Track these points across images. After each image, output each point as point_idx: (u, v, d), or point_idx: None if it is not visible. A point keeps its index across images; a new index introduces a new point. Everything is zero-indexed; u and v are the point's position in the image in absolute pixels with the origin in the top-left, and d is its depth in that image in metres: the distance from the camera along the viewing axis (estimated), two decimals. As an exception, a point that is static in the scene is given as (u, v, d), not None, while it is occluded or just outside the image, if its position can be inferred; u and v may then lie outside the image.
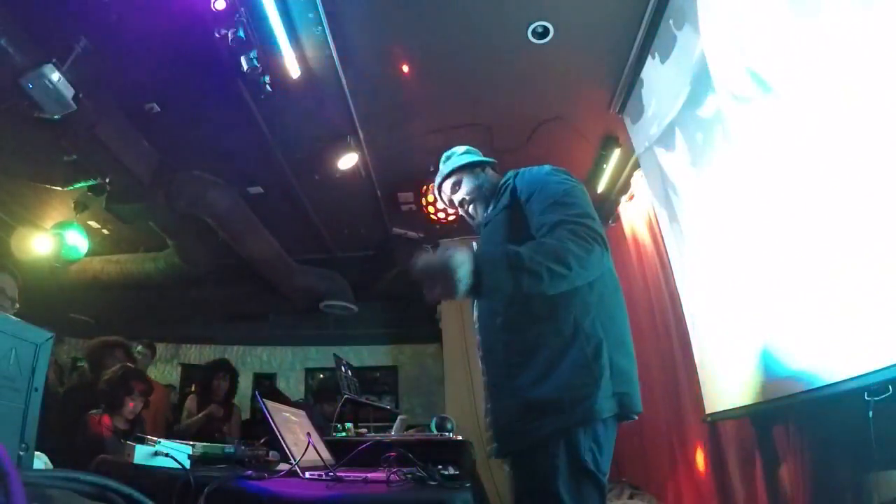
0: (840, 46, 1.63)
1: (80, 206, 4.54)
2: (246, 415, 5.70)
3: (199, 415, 3.72)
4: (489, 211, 1.68)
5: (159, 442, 1.32)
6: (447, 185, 1.79)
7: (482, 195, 1.72)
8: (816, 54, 1.74)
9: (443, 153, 1.87)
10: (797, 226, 1.94)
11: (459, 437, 2.73)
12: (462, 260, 1.16)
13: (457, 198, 1.77)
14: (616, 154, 4.02)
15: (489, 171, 1.79)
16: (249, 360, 7.96)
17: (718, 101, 2.43)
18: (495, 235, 1.58)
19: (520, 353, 1.41)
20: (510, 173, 1.68)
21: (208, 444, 1.56)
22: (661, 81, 3.03)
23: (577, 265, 1.24)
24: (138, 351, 4.54)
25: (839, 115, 1.67)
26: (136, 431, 2.83)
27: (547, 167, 1.59)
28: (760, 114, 2.12)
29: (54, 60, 2.82)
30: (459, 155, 1.81)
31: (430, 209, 4.32)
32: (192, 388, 4.22)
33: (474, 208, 1.74)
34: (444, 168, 1.80)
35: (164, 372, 7.48)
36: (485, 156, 1.85)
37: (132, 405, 2.78)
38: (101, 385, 2.83)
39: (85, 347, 3.57)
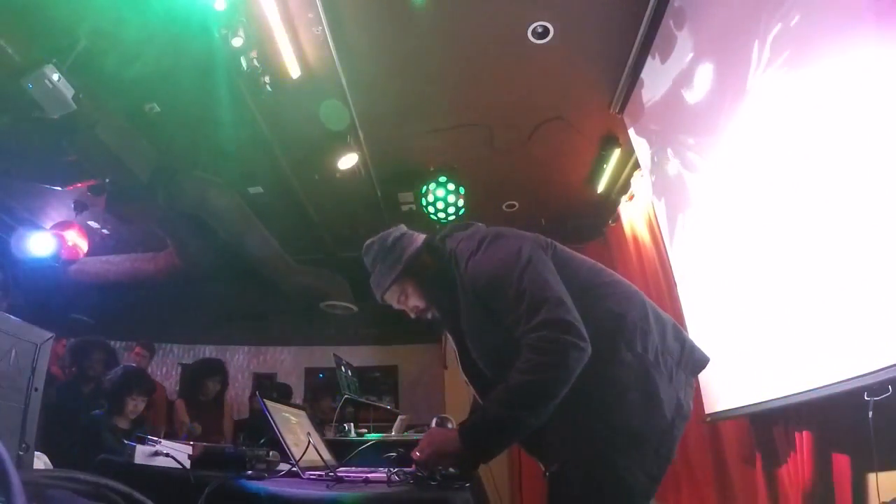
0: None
1: (80, 206, 4.54)
2: (245, 414, 5.70)
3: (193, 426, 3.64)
4: (462, 313, 1.44)
5: (159, 442, 1.32)
6: (390, 299, 1.53)
7: (436, 301, 1.50)
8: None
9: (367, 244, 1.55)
10: (797, 225, 1.94)
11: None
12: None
13: (409, 309, 1.54)
14: (616, 154, 4.02)
15: (428, 260, 1.50)
16: (249, 360, 7.97)
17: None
18: (487, 343, 1.43)
19: None
20: (450, 244, 1.49)
21: (208, 444, 1.55)
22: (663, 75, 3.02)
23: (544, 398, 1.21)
24: (136, 353, 4.54)
25: (841, 112, 1.67)
26: (139, 431, 2.84)
27: (485, 252, 1.40)
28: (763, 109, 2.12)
29: (54, 60, 2.81)
30: (387, 254, 1.50)
31: (430, 209, 4.31)
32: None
33: (432, 314, 1.54)
34: (375, 280, 1.52)
35: (163, 372, 7.49)
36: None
37: (133, 405, 2.82)
38: (104, 385, 2.87)
39: (69, 345, 3.58)
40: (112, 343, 4.07)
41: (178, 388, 7.44)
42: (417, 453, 1.27)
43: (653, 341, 1.34)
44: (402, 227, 1.59)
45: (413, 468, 1.28)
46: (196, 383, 3.84)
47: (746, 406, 2.45)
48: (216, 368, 3.98)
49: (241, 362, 7.84)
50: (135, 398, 2.83)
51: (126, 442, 2.68)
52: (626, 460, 1.25)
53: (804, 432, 2.26)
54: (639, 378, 1.29)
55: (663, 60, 2.94)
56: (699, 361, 1.45)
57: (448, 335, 1.59)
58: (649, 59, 3.09)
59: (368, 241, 1.57)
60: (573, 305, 1.28)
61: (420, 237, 1.54)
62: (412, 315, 1.56)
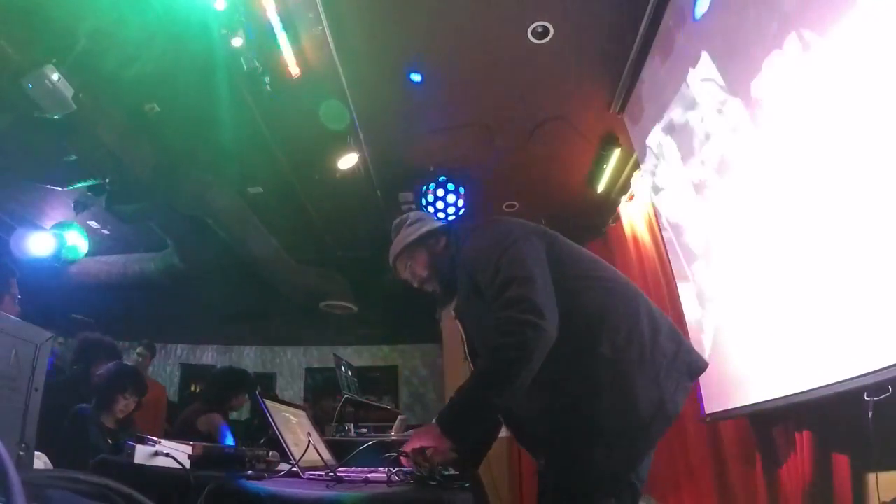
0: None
1: (80, 206, 4.54)
2: (246, 414, 5.70)
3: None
4: (459, 292, 1.53)
5: (159, 442, 1.32)
6: (399, 264, 1.64)
7: (438, 273, 1.58)
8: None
9: (399, 221, 1.69)
10: (797, 226, 1.94)
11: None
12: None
13: (412, 278, 1.63)
14: (616, 154, 4.02)
15: (443, 240, 1.61)
16: (250, 360, 7.97)
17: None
18: (478, 323, 1.50)
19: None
20: (462, 235, 1.58)
21: (208, 444, 1.55)
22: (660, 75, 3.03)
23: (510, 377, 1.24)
24: (138, 353, 4.51)
25: (840, 114, 1.67)
26: (127, 433, 2.80)
27: (480, 234, 1.50)
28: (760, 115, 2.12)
29: (54, 60, 2.81)
30: (408, 226, 1.64)
31: (430, 209, 4.31)
32: (192, 390, 4.01)
33: (432, 286, 1.61)
34: (393, 246, 1.65)
35: (163, 372, 7.49)
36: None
37: (124, 404, 2.75)
38: (95, 380, 2.79)
39: (78, 339, 3.52)
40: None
41: (178, 390, 7.43)
42: (405, 448, 1.29)
43: (639, 339, 1.33)
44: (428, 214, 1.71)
45: (409, 465, 1.28)
46: (227, 394, 3.40)
47: (746, 406, 2.45)
48: (247, 381, 3.57)
49: (241, 362, 7.84)
50: (127, 397, 2.76)
51: (112, 441, 2.65)
52: (593, 455, 1.27)
53: (804, 432, 2.27)
54: (615, 374, 1.29)
55: (663, 60, 2.94)
56: (695, 365, 1.42)
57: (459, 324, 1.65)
58: (649, 59, 3.09)
59: (396, 220, 1.70)
60: (546, 287, 1.31)
61: (441, 222, 1.68)
62: (415, 284, 1.64)
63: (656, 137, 3.22)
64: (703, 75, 2.56)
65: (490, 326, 1.33)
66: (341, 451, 1.67)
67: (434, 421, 1.29)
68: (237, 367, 3.95)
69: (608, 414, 1.27)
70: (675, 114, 2.92)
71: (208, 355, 7.97)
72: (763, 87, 2.08)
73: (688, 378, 1.39)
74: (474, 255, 1.45)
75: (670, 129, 3.01)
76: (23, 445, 0.75)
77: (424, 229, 1.61)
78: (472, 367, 1.60)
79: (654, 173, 3.39)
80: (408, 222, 1.66)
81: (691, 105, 2.74)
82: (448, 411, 1.28)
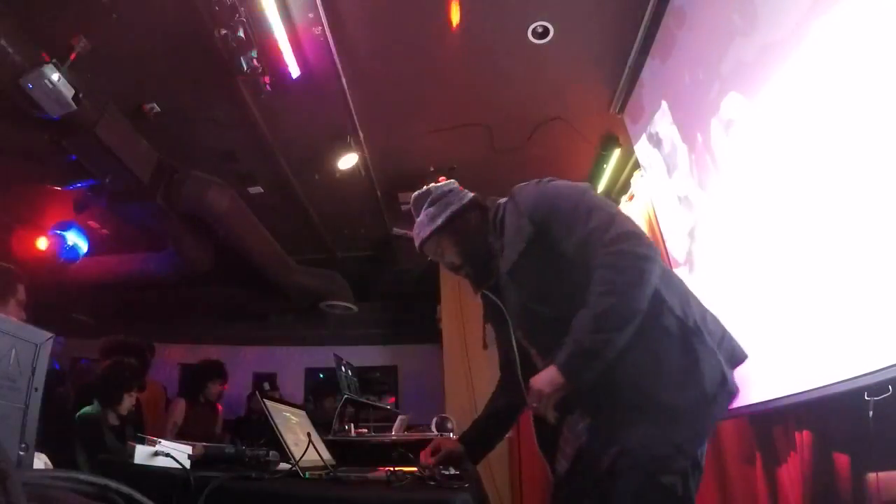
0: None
1: (80, 206, 4.54)
2: (243, 413, 5.71)
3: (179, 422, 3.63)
4: (507, 254, 1.39)
5: (159, 442, 1.32)
6: (427, 250, 1.53)
7: (471, 257, 1.48)
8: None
9: (416, 196, 1.58)
10: (797, 225, 1.94)
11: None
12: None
13: (444, 264, 1.53)
14: (616, 154, 4.02)
15: (470, 214, 1.49)
16: (249, 360, 7.96)
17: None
18: (542, 284, 1.37)
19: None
20: (500, 201, 1.49)
21: (209, 444, 1.55)
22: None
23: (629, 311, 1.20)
24: None
25: (840, 113, 1.67)
26: (132, 429, 2.81)
27: (543, 188, 1.43)
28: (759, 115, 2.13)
29: (54, 60, 2.81)
30: (428, 206, 1.51)
31: (430, 209, 4.31)
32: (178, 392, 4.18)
33: (466, 271, 1.51)
34: (417, 228, 1.53)
35: (163, 372, 7.48)
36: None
37: (130, 401, 2.75)
38: (94, 379, 2.78)
39: (102, 343, 3.55)
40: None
41: (178, 389, 7.42)
42: (534, 404, 1.24)
43: (693, 315, 1.27)
44: (454, 183, 1.59)
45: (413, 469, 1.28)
46: (198, 385, 3.85)
47: (746, 406, 2.44)
48: (218, 371, 3.97)
49: (241, 362, 7.83)
50: (132, 395, 2.78)
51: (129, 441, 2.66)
52: (656, 431, 1.18)
53: (804, 432, 2.26)
54: (678, 346, 1.24)
55: (663, 60, 2.94)
56: (737, 354, 1.36)
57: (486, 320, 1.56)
58: (649, 59, 3.09)
59: (416, 194, 1.57)
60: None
61: (469, 194, 1.54)
62: (448, 269, 1.55)
63: (656, 137, 3.22)
64: (703, 74, 2.56)
65: (556, 276, 1.30)
66: (341, 451, 1.67)
67: (555, 367, 1.22)
68: (211, 360, 4.14)
69: (673, 388, 1.21)
70: (675, 113, 2.92)
71: (209, 355, 7.97)
72: (763, 86, 2.08)
73: (730, 365, 1.33)
74: (548, 200, 1.37)
75: (670, 129, 3.01)
76: (23, 445, 0.75)
77: (450, 210, 1.47)
78: (514, 335, 1.47)
79: (653, 173, 3.39)
80: (430, 199, 1.51)
81: (691, 104, 2.74)
82: (574, 357, 1.20)
